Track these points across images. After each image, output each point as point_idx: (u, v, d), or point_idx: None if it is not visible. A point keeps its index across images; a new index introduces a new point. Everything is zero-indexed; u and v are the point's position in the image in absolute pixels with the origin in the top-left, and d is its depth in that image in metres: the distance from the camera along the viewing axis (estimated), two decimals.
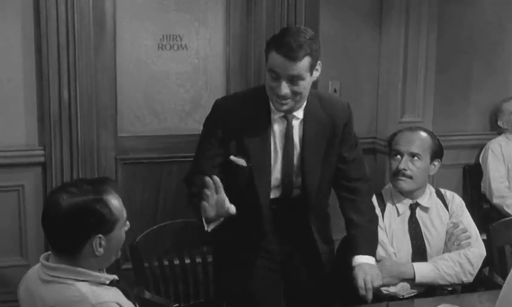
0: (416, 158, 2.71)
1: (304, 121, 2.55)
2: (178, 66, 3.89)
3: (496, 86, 4.37)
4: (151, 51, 3.84)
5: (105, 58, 3.71)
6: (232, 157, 2.52)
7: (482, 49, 4.31)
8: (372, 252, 2.61)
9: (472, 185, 4.34)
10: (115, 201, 1.89)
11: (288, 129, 2.54)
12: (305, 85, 2.42)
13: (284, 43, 2.35)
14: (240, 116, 2.52)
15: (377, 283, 2.50)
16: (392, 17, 3.98)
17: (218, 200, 2.31)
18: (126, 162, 3.86)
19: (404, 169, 2.69)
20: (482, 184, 4.25)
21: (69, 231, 1.83)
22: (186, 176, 2.63)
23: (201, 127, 3.88)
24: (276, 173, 2.56)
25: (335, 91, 4.05)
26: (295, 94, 2.41)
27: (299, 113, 2.55)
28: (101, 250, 1.86)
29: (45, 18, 3.42)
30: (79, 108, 3.55)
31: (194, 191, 2.44)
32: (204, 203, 2.32)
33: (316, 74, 2.47)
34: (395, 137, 2.80)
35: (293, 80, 2.38)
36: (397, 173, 2.71)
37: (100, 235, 1.85)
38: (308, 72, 2.41)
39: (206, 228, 2.36)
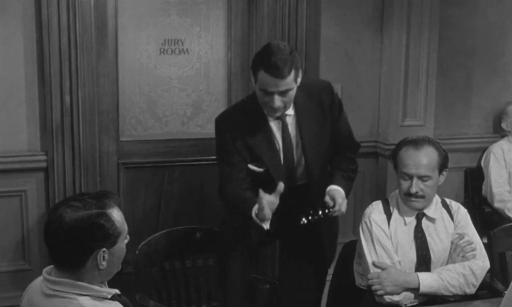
0: (426, 179, 2.67)
1: (296, 114, 2.84)
2: (180, 70, 3.90)
3: (497, 89, 4.37)
4: (152, 55, 3.84)
5: (107, 63, 3.72)
6: (249, 166, 2.78)
7: (483, 52, 4.30)
8: (346, 190, 2.84)
9: (474, 188, 4.34)
10: (117, 215, 1.90)
11: (283, 128, 2.82)
12: (293, 93, 2.72)
13: (272, 64, 2.60)
14: (241, 126, 2.78)
15: (344, 209, 2.77)
16: (393, 21, 3.98)
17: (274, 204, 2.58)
18: (128, 166, 3.87)
19: (417, 192, 2.67)
20: (483, 187, 4.25)
21: (73, 245, 1.83)
22: (220, 187, 2.87)
23: (203, 131, 3.96)
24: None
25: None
26: (285, 102, 2.70)
27: (290, 111, 2.82)
28: (104, 263, 1.87)
29: (47, 24, 3.42)
30: (81, 113, 3.56)
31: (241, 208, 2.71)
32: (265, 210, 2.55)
33: (299, 80, 2.74)
34: (400, 154, 2.72)
35: (284, 93, 2.67)
36: (409, 195, 2.69)
37: (104, 249, 1.86)
38: (294, 82, 2.69)
39: (266, 228, 2.60)
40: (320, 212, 2.73)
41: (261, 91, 2.67)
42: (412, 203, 2.70)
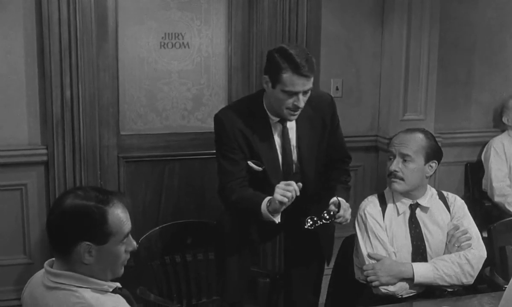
0: (407, 159, 2.71)
1: (297, 121, 2.86)
2: (180, 64, 3.90)
3: (497, 84, 4.38)
4: (153, 49, 3.84)
5: (107, 57, 3.71)
6: (249, 162, 2.80)
7: (484, 47, 4.31)
8: (347, 201, 2.83)
9: (474, 182, 4.34)
10: (116, 215, 1.86)
11: (284, 131, 2.85)
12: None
13: (300, 64, 2.64)
14: (243, 123, 2.80)
15: (349, 217, 2.74)
16: (394, 15, 3.97)
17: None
18: (128, 160, 3.87)
19: (396, 171, 2.72)
20: (483, 181, 4.26)
21: (61, 229, 1.84)
22: (221, 185, 2.84)
23: (203, 125, 3.95)
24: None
25: (337, 89, 4.05)
26: (304, 102, 2.74)
27: None
28: (90, 259, 1.84)
29: (47, 18, 3.41)
30: (82, 107, 3.55)
31: (246, 201, 2.73)
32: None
33: None
34: (393, 138, 2.84)
35: (307, 92, 2.72)
36: (389, 175, 2.75)
37: (89, 243, 1.82)
38: None
39: (277, 221, 2.65)
40: (327, 216, 2.71)
41: (285, 92, 2.68)
42: (392, 184, 2.74)
